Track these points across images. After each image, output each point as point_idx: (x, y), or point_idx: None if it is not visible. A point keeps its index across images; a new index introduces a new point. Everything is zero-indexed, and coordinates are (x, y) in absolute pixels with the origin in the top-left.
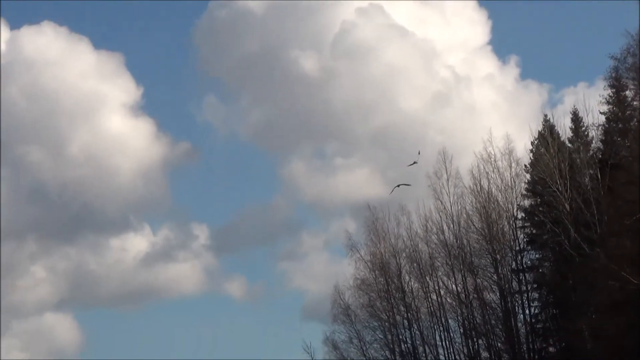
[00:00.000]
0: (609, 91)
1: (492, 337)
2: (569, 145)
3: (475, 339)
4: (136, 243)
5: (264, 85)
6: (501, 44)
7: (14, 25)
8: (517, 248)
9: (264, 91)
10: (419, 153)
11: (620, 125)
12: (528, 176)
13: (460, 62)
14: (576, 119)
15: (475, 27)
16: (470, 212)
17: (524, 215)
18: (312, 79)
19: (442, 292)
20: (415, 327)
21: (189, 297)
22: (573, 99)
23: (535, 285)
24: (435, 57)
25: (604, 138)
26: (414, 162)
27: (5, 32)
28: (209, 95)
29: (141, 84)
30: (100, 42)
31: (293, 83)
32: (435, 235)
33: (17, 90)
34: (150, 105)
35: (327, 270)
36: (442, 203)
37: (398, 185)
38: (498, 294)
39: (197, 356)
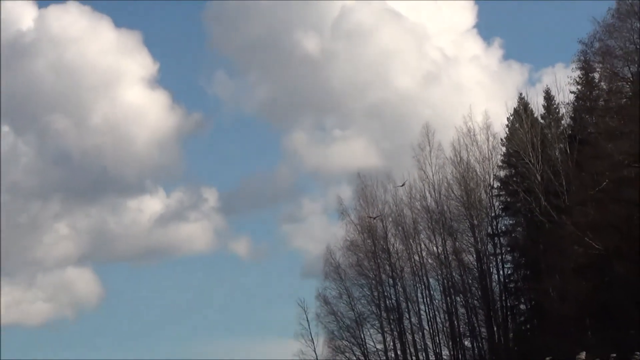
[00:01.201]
0: (578, 73)
1: (468, 294)
2: (542, 121)
3: (453, 297)
4: (151, 205)
5: (269, 64)
6: (486, 27)
7: (42, 4)
8: (493, 214)
9: (269, 69)
10: (403, 185)
11: (588, 104)
12: (504, 149)
13: (449, 44)
14: (548, 97)
15: (462, 12)
16: (450, 181)
17: (499, 184)
18: (313, 59)
19: (424, 254)
20: (399, 285)
21: (199, 255)
22: (551, 78)
23: (508, 249)
24: (426, 40)
25: (573, 115)
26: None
27: (34, 11)
28: (219, 71)
29: (157, 60)
30: (120, 21)
31: (296, 62)
32: (419, 202)
33: (44, 65)
34: (166, 80)
35: (325, 232)
36: (425, 172)
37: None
38: (475, 255)
39: (204, 309)
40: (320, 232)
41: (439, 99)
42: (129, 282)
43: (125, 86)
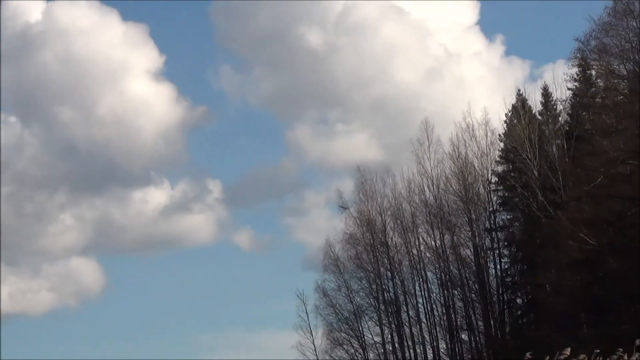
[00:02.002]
0: (575, 70)
1: (466, 288)
2: (539, 117)
3: (451, 290)
4: (156, 196)
5: (274, 58)
6: (488, 24)
7: None
8: (491, 209)
9: (274, 63)
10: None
11: (585, 101)
12: (502, 145)
13: (452, 40)
14: (546, 94)
15: (465, 9)
16: (449, 176)
17: (497, 179)
18: (317, 53)
19: (422, 248)
20: (397, 278)
21: (202, 246)
22: (552, 74)
23: (506, 243)
24: (429, 36)
25: (570, 112)
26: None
27: (42, 4)
28: (225, 65)
29: (164, 53)
30: (128, 14)
31: (300, 56)
32: (417, 196)
33: (52, 57)
34: (172, 73)
35: (327, 225)
36: (423, 167)
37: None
38: (472, 250)
39: (207, 301)
40: (323, 225)
41: (441, 95)
42: (132, 273)
43: (131, 78)
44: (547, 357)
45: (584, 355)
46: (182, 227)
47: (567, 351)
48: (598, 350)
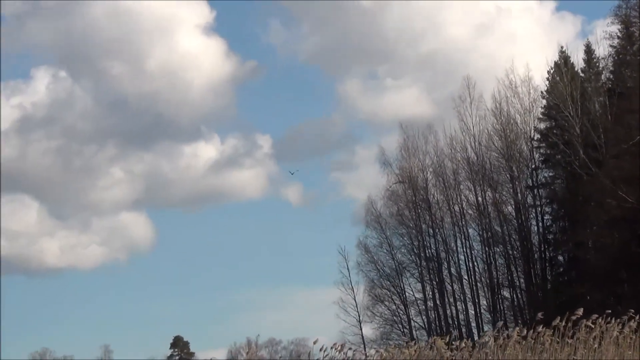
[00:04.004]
0: (617, 27)
1: (508, 245)
2: (582, 75)
3: (492, 247)
4: (206, 151)
5: (324, 13)
6: None
7: None
8: (533, 166)
9: (323, 18)
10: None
11: (627, 58)
12: (544, 102)
13: None
14: (589, 51)
15: None
16: (491, 133)
17: (539, 136)
18: (367, 8)
19: (463, 205)
20: (439, 235)
21: (251, 201)
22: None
23: (547, 201)
24: None
25: (612, 69)
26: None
27: None
28: (274, 20)
29: (214, 8)
30: None
31: (350, 12)
32: (459, 153)
33: (102, 11)
34: (222, 27)
35: (376, 180)
36: (465, 124)
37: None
38: (514, 207)
39: (254, 255)
40: (371, 180)
41: (490, 50)
42: (181, 228)
43: (181, 33)
44: (558, 318)
45: (596, 315)
46: (232, 182)
47: (580, 312)
48: (609, 311)
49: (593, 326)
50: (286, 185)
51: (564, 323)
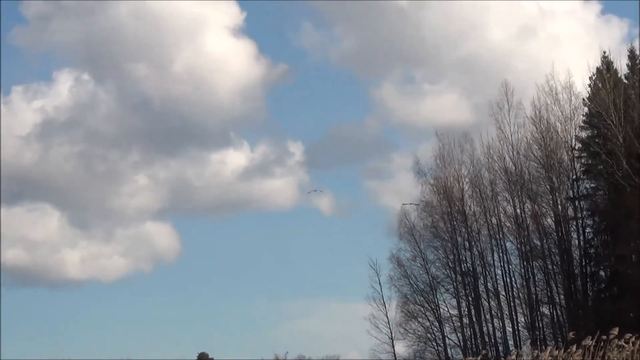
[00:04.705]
0: None
1: (547, 260)
2: (625, 81)
3: (531, 261)
4: (235, 158)
5: (358, 15)
6: None
7: None
8: (574, 177)
9: (357, 19)
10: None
11: None
12: (586, 109)
13: None
14: (632, 56)
15: None
16: (530, 141)
17: (580, 145)
18: (404, 9)
19: (501, 217)
20: (475, 249)
21: (281, 210)
22: None
23: (589, 213)
24: None
25: None
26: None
27: None
28: (305, 22)
29: (244, 9)
30: None
31: (385, 12)
32: (497, 163)
33: (127, 12)
34: (252, 29)
35: (412, 189)
36: (503, 132)
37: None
38: (554, 219)
39: (282, 266)
40: (407, 189)
41: (533, 53)
42: (208, 237)
43: (209, 34)
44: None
45: (630, 335)
46: (261, 190)
47: (615, 331)
48: None
49: (626, 345)
50: (317, 194)
51: (594, 342)
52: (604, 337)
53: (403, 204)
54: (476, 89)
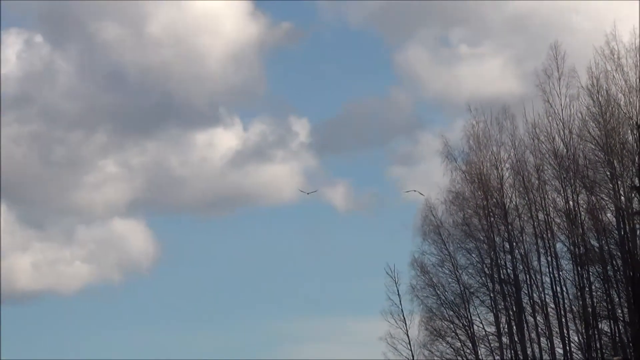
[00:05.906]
0: None
1: (607, 264)
2: None
3: (587, 267)
4: (225, 139)
5: None
6: None
7: None
8: None
9: None
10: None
11: None
12: None
13: None
14: None
15: None
16: (586, 118)
17: None
18: None
19: (549, 211)
20: (517, 251)
21: (283, 205)
22: None
23: None
24: None
25: None
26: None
27: None
28: None
29: None
30: None
31: None
32: (544, 144)
33: None
34: None
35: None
36: (552, 106)
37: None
38: (615, 214)
39: (287, 275)
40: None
41: (597, 8)
42: (191, 239)
43: None
44: None
45: None
46: (257, 179)
47: None
48: None
49: None
50: (330, 184)
51: None
52: None
53: (406, 191)
54: (527, 53)
